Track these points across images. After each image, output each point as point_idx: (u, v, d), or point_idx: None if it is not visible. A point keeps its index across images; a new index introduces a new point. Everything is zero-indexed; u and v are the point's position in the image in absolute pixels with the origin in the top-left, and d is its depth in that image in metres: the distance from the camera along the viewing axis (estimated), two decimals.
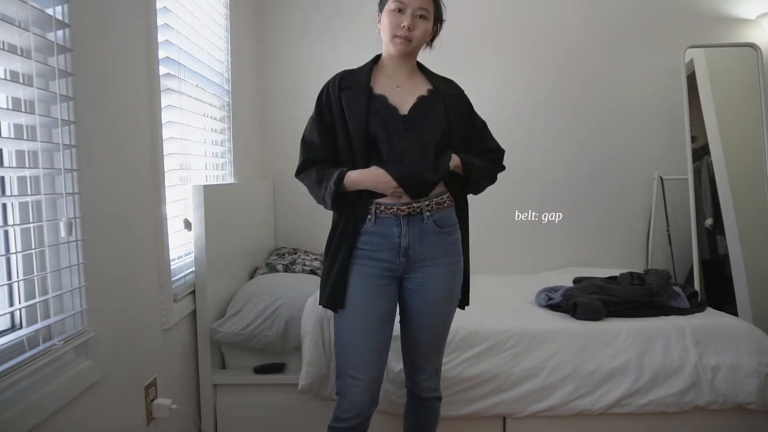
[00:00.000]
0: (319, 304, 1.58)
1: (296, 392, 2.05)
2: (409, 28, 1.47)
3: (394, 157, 1.48)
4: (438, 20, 1.57)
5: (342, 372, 1.54)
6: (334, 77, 1.57)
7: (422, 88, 1.57)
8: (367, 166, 1.48)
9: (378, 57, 1.61)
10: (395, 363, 1.97)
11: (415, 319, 1.59)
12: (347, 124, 1.49)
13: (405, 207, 1.49)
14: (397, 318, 1.63)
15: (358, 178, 1.46)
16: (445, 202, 1.54)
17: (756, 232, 2.80)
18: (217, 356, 2.22)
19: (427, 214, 1.50)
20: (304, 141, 1.57)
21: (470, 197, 1.65)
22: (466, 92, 1.64)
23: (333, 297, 1.51)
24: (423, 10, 1.48)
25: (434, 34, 1.60)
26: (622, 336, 2.04)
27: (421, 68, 1.63)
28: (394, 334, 1.64)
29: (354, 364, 1.51)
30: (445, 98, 1.55)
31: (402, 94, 1.55)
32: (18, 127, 1.24)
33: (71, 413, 1.28)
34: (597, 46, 3.11)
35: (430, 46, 1.62)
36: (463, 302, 1.66)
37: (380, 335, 1.53)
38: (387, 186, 1.45)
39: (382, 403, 1.98)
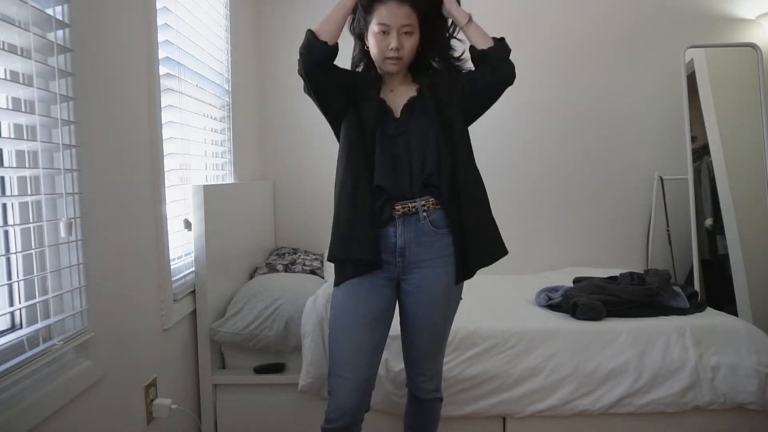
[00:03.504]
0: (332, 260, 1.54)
1: (296, 392, 2.05)
2: (397, 49, 1.48)
3: (384, 164, 1.49)
4: (431, 19, 1.55)
5: (332, 370, 1.53)
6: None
7: (413, 88, 1.58)
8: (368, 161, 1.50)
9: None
10: (395, 363, 1.97)
11: (413, 322, 1.58)
12: (356, 102, 1.54)
13: (400, 207, 1.49)
14: (398, 318, 1.62)
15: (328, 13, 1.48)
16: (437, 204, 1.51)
17: (756, 232, 2.80)
18: (217, 356, 2.22)
19: (423, 214, 1.50)
20: None
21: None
22: None
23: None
24: (407, 26, 1.48)
25: (443, 31, 1.59)
26: (622, 336, 2.04)
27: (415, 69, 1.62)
28: (394, 334, 1.64)
29: (342, 363, 1.50)
30: (438, 90, 1.55)
31: (395, 96, 1.57)
32: (18, 127, 1.24)
33: (71, 413, 1.28)
34: (597, 46, 3.11)
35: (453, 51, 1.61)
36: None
37: (372, 336, 1.52)
38: None
39: (382, 403, 1.99)
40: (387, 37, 1.48)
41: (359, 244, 1.47)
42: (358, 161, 1.49)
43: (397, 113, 1.54)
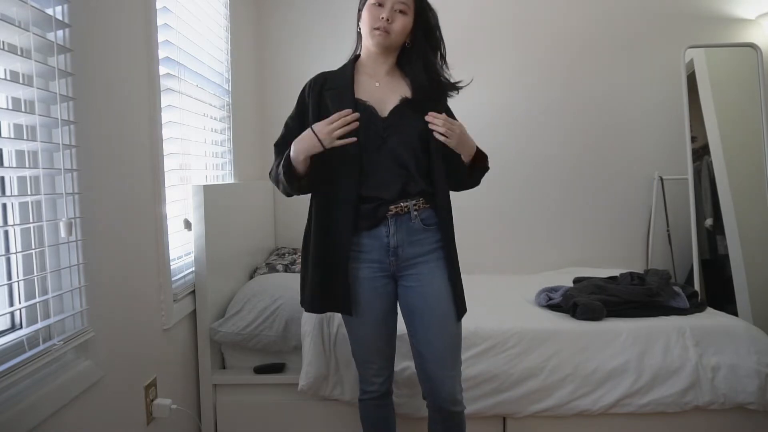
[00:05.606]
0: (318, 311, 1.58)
1: (296, 392, 2.05)
2: (388, 20, 1.46)
3: (374, 173, 1.48)
4: (423, 17, 1.52)
5: (358, 360, 1.65)
6: (316, 78, 1.56)
7: (402, 84, 1.55)
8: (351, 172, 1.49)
9: (356, 58, 1.60)
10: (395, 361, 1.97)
11: (421, 318, 1.53)
12: None
13: (394, 207, 1.49)
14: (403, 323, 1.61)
15: (294, 149, 1.44)
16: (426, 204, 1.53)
17: (756, 232, 2.80)
18: (217, 356, 2.22)
19: (415, 213, 1.50)
20: (277, 145, 1.58)
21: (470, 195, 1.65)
22: (461, 92, 1.60)
23: (342, 302, 1.53)
24: (402, 4, 1.47)
25: (437, 43, 1.56)
26: (622, 336, 2.04)
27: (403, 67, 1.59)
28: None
29: (365, 358, 1.63)
30: (428, 94, 1.53)
31: (382, 92, 1.53)
32: (18, 127, 1.24)
33: (71, 413, 1.28)
34: (597, 46, 3.11)
35: (445, 63, 1.58)
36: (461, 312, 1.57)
37: (386, 328, 1.59)
38: (328, 133, 1.38)
39: None
40: (380, 9, 1.47)
41: (320, 302, 1.55)
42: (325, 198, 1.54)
43: (383, 112, 1.50)
